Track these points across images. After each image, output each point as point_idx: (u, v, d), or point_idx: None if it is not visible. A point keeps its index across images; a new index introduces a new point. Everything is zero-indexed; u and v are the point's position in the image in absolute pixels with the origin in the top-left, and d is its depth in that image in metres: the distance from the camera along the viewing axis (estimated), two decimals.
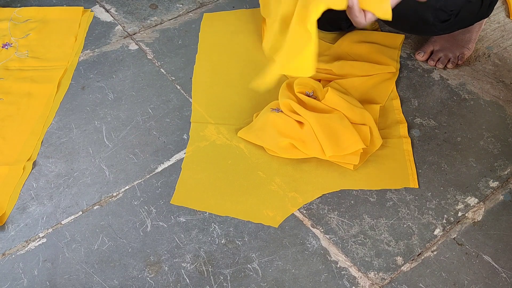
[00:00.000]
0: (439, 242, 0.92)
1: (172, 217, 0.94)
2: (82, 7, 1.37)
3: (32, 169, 1.01)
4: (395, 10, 1.07)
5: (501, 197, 1.00)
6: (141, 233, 0.92)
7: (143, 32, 1.33)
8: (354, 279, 0.87)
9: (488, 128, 1.12)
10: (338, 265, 0.88)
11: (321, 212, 0.95)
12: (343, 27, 1.30)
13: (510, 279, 0.88)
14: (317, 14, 0.81)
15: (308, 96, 1.09)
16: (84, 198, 0.97)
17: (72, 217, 0.94)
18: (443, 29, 1.11)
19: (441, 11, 1.06)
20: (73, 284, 0.85)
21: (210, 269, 0.87)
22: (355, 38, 1.28)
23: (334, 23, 1.29)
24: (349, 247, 0.90)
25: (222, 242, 0.91)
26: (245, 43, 1.29)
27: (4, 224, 0.92)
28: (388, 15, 0.82)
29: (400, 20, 1.10)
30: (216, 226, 0.93)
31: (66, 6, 1.39)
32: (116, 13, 1.39)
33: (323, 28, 1.33)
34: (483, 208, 0.98)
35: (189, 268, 0.87)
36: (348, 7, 0.85)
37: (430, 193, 1.00)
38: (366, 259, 0.88)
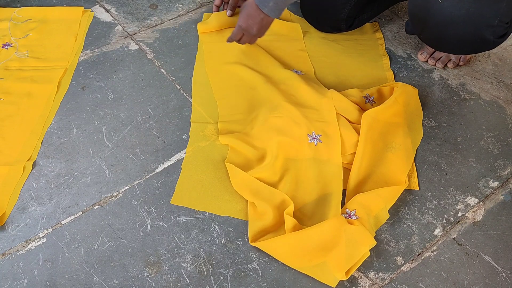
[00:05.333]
0: (439, 242, 0.92)
1: (172, 217, 0.94)
2: (82, 7, 1.37)
3: (32, 169, 1.01)
4: (452, 37, 1.08)
5: (501, 197, 1.00)
6: (141, 233, 0.92)
7: (143, 32, 1.33)
8: (354, 279, 0.86)
9: (488, 128, 1.12)
10: None
11: None
12: (342, 28, 1.30)
13: (510, 279, 0.88)
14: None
15: (368, 99, 1.11)
16: (84, 198, 0.97)
17: (72, 217, 0.94)
18: (500, 42, 1.12)
19: (499, 27, 1.06)
20: (73, 284, 0.85)
21: (210, 269, 0.87)
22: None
23: (334, 24, 1.30)
24: None
25: (222, 242, 0.91)
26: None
27: (4, 224, 0.92)
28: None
29: (460, 45, 1.11)
30: (216, 226, 0.93)
31: (66, 6, 1.39)
32: (116, 13, 1.39)
33: (323, 30, 1.33)
34: (483, 208, 0.98)
35: (189, 268, 0.87)
36: None
37: (430, 193, 1.00)
38: (366, 259, 0.88)
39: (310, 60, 1.26)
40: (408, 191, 0.99)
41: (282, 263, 0.88)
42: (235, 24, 1.31)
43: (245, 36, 1.15)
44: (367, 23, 1.37)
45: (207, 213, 0.95)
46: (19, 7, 1.37)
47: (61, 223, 0.93)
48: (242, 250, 0.90)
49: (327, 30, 1.33)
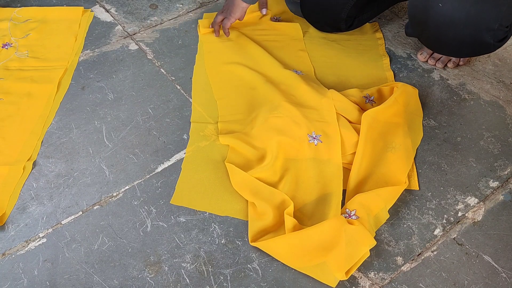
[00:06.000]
0: (439, 242, 0.92)
1: (172, 217, 0.94)
2: (82, 7, 1.37)
3: (32, 169, 1.01)
4: (452, 40, 1.08)
5: (501, 197, 1.00)
6: (141, 233, 0.92)
7: (143, 32, 1.33)
8: (354, 279, 0.86)
9: (488, 128, 1.12)
10: None
11: None
12: (342, 28, 1.30)
13: (510, 279, 0.88)
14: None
15: (368, 99, 1.11)
16: (84, 198, 0.97)
17: (72, 217, 0.94)
18: (500, 46, 1.12)
19: (499, 31, 1.06)
20: (73, 284, 0.85)
21: (210, 269, 0.87)
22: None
23: (334, 24, 1.30)
24: None
25: (222, 242, 0.91)
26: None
27: (4, 224, 0.92)
28: None
29: (459, 48, 1.11)
30: (216, 226, 0.93)
31: (66, 6, 1.39)
32: (116, 13, 1.39)
33: (323, 30, 1.33)
34: (483, 208, 0.98)
35: (189, 268, 0.87)
36: None
37: (430, 193, 1.00)
38: (366, 259, 0.88)
39: (310, 60, 1.26)
40: (408, 191, 0.99)
41: (282, 263, 0.88)
42: (235, 26, 1.31)
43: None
44: (367, 23, 1.37)
45: (207, 213, 0.95)
46: (19, 7, 1.37)
47: (61, 223, 0.93)
48: (242, 250, 0.90)
49: (327, 30, 1.33)
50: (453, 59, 1.25)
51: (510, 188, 1.01)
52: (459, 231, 0.94)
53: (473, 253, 0.91)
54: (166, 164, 1.03)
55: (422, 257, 0.90)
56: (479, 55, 1.17)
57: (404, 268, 0.89)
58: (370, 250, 0.87)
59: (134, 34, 1.32)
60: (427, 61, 1.27)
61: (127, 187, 0.99)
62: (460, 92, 1.20)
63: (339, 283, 0.85)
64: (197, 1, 1.44)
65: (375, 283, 0.86)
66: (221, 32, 1.31)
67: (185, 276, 0.86)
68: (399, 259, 0.90)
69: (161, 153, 1.05)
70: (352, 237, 0.85)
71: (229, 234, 0.92)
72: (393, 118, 1.08)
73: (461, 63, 1.26)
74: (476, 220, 0.96)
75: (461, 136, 1.10)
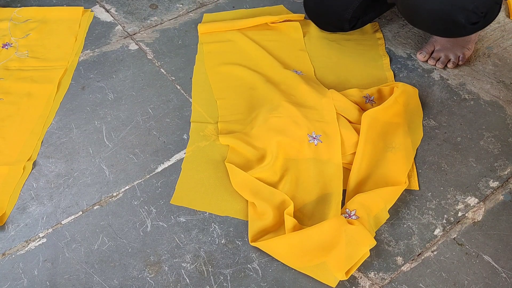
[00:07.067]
0: (439, 242, 0.92)
1: (172, 217, 0.94)
2: (82, 7, 1.37)
3: (32, 169, 1.01)
4: (426, 12, 1.07)
5: (501, 197, 1.00)
6: (141, 233, 0.92)
7: (143, 32, 1.33)
8: (354, 279, 0.86)
9: (488, 128, 1.12)
10: None
11: None
12: (345, 28, 1.30)
13: (510, 279, 0.88)
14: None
15: (368, 99, 1.11)
16: (84, 198, 0.97)
17: (72, 217, 0.94)
18: (472, 30, 1.11)
19: (473, 13, 1.06)
20: (73, 284, 0.85)
21: (210, 269, 0.87)
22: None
23: (337, 24, 1.29)
24: None
25: (222, 242, 0.91)
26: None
27: (4, 224, 0.92)
28: None
29: (431, 22, 1.10)
30: (216, 226, 0.93)
31: (66, 6, 1.39)
32: (116, 13, 1.39)
33: (326, 29, 1.33)
34: (483, 208, 0.98)
35: (189, 268, 0.87)
36: None
37: (430, 193, 1.00)
38: (366, 259, 0.88)
39: (310, 60, 1.26)
40: (408, 191, 0.99)
41: (282, 263, 0.88)
42: (235, 26, 1.31)
43: None
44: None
45: (207, 213, 0.95)
46: (19, 7, 1.37)
47: (61, 223, 0.93)
48: (242, 250, 0.90)
49: (330, 29, 1.33)
50: (452, 59, 1.25)
51: (510, 188, 1.01)
52: (459, 231, 0.94)
53: (473, 253, 0.91)
54: (166, 164, 1.03)
55: (422, 257, 0.90)
56: (450, 36, 1.17)
57: (404, 268, 0.89)
58: (370, 250, 0.87)
59: (134, 34, 1.32)
60: (427, 61, 1.27)
61: (127, 187, 0.99)
62: (460, 92, 1.20)
63: (339, 283, 0.85)
64: (197, 1, 1.44)
65: (375, 283, 0.86)
66: (221, 32, 1.31)
67: (185, 276, 0.86)
68: (399, 259, 0.90)
69: (161, 153, 1.05)
70: (352, 237, 0.85)
71: (229, 234, 0.92)
72: (393, 118, 1.08)
73: (460, 62, 1.26)
74: (476, 220, 0.96)
75: (461, 136, 1.10)
